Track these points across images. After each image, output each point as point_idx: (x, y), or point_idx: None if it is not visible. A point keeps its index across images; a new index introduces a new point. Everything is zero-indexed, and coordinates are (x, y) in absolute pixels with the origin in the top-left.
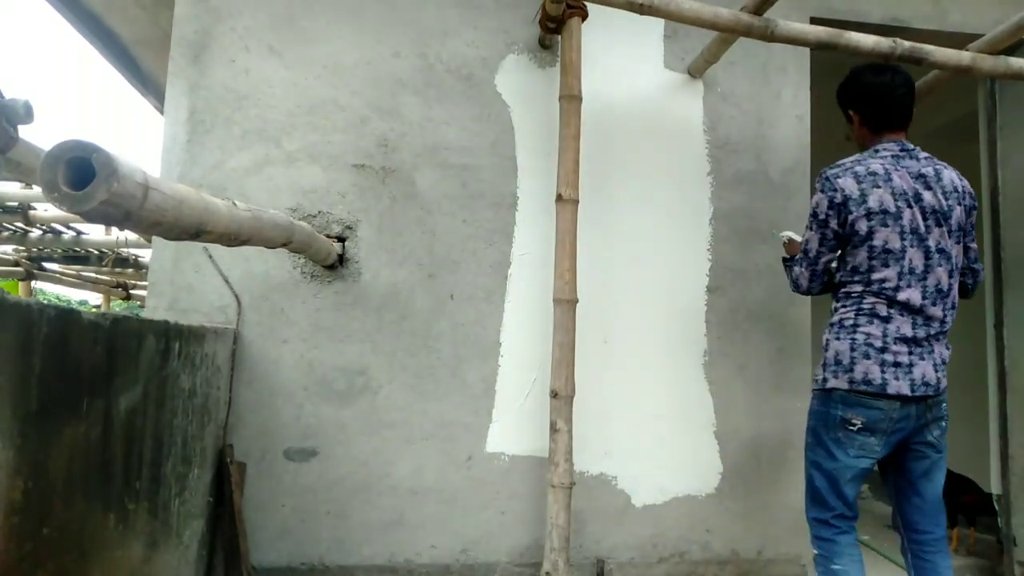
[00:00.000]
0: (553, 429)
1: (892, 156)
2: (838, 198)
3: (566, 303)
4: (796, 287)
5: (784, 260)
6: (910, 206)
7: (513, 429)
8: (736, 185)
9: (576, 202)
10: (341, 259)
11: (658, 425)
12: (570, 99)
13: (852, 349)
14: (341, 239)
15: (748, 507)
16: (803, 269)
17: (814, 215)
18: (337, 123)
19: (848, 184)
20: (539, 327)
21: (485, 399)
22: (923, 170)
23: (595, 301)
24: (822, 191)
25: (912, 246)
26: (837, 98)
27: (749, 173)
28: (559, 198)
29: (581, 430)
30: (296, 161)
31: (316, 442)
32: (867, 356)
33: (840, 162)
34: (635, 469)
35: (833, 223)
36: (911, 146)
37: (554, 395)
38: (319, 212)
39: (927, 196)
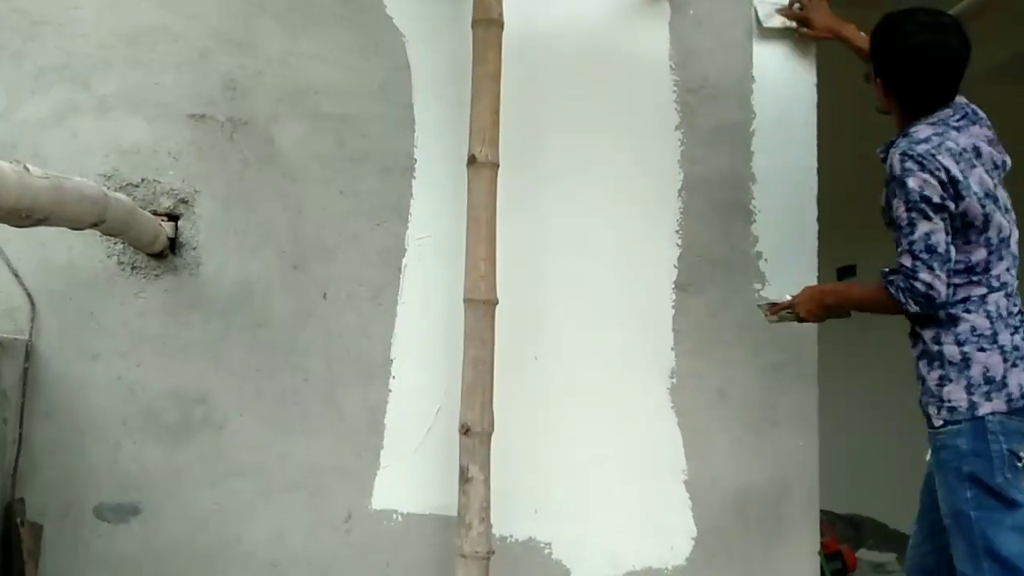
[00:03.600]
0: (464, 478)
1: (963, 120)
2: (945, 177)
3: (482, 305)
4: (929, 302)
5: (884, 276)
6: (998, 184)
7: (409, 477)
8: (715, 142)
9: (495, 166)
10: (173, 244)
11: (608, 472)
12: (487, 25)
13: (1004, 360)
14: (173, 217)
15: None
16: (938, 272)
17: (926, 201)
18: (168, 58)
19: (949, 163)
20: (445, 338)
21: (370, 436)
22: (989, 134)
23: (521, 303)
24: (923, 171)
25: (1013, 229)
26: (877, 63)
27: (733, 127)
28: (472, 161)
29: (503, 479)
30: (112, 109)
31: (139, 495)
32: (1015, 365)
33: (918, 135)
34: (576, 532)
35: (951, 206)
36: (965, 102)
37: (465, 431)
38: (143, 180)
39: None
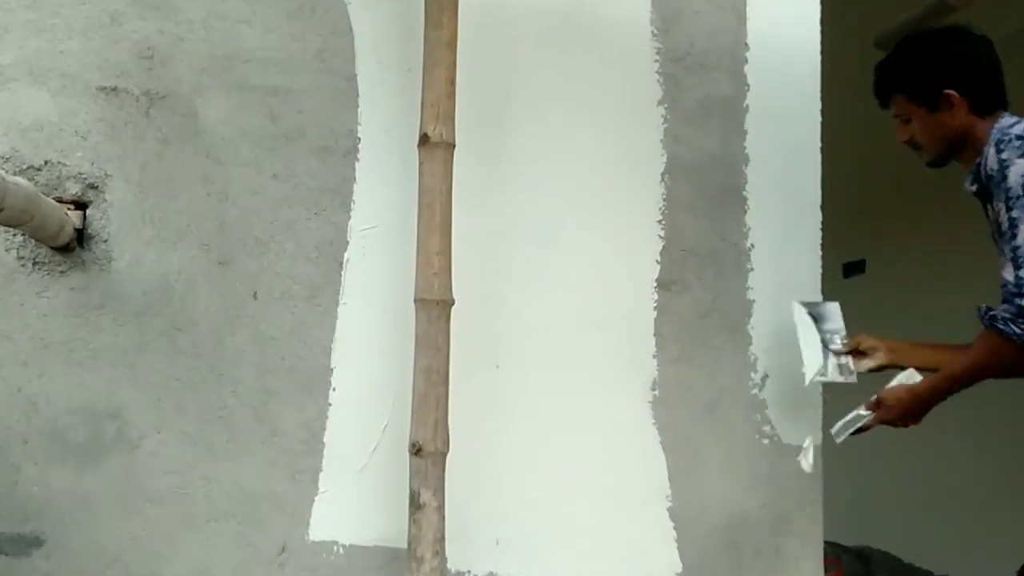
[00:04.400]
0: (415, 504)
1: None
2: None
3: (435, 306)
4: None
5: (988, 318)
6: None
7: (352, 504)
8: (703, 119)
9: (451, 147)
10: (81, 236)
11: (580, 498)
12: None
13: None
14: (81, 205)
15: None
16: None
17: None
18: (75, 22)
19: None
20: (393, 344)
21: (308, 457)
22: None
23: (481, 303)
24: (1022, 156)
25: None
26: (924, 76)
27: (724, 101)
28: (424, 140)
29: (460, 506)
30: (9, 81)
31: (42, 524)
32: None
33: (1006, 122)
34: (544, 567)
35: None
36: None
37: (416, 451)
38: (46, 162)
39: None
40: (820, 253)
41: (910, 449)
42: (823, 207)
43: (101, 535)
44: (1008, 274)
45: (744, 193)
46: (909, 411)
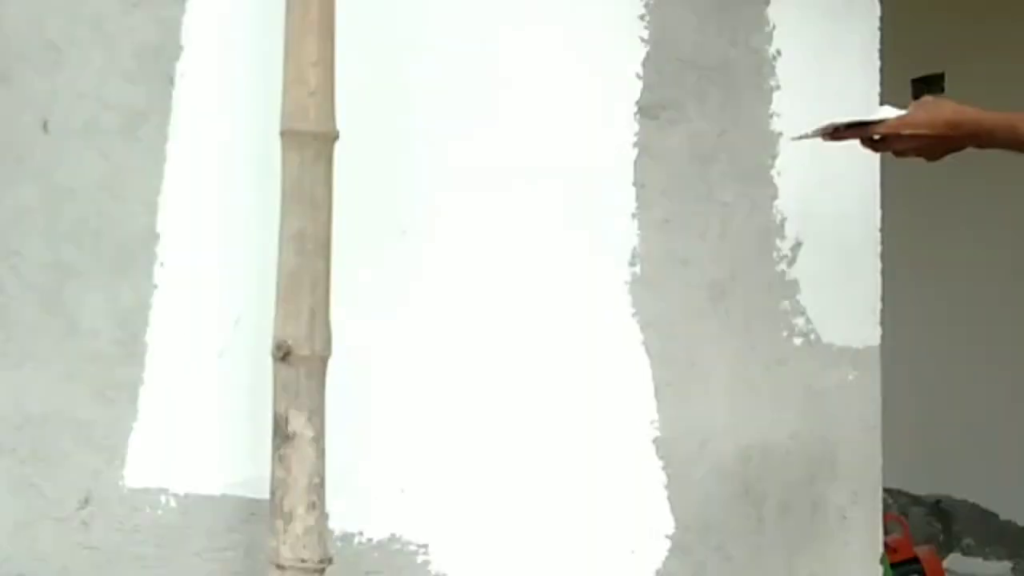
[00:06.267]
0: (281, 434)
1: None
2: None
3: (311, 140)
4: None
5: None
6: None
7: (188, 435)
8: None
9: None
10: None
11: (525, 423)
12: None
13: None
14: None
15: None
16: None
17: None
18: None
19: None
20: (249, 198)
21: (124, 366)
22: None
23: (379, 139)
24: None
25: None
26: None
27: None
28: None
29: (347, 437)
30: None
31: None
32: None
33: None
34: (470, 527)
35: None
36: None
37: (283, 355)
38: None
39: None
40: (878, 62)
41: (1005, 358)
42: (884, 29)
43: None
44: None
45: None
46: (939, 139)
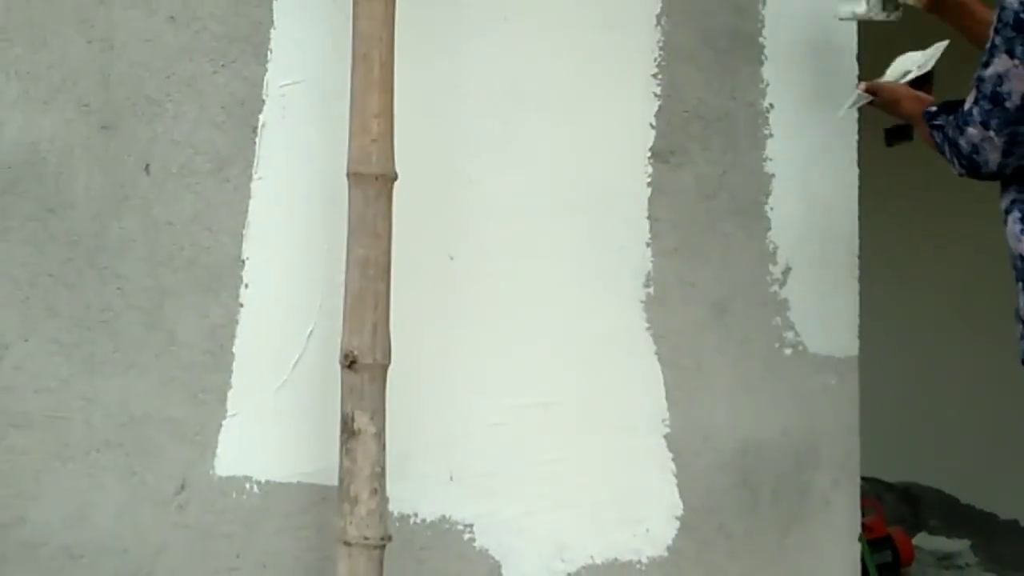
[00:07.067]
0: (348, 431)
1: None
2: None
3: (373, 181)
4: (972, 168)
5: (929, 117)
6: None
7: (269, 431)
8: None
9: None
10: None
11: (556, 424)
12: None
13: None
14: None
15: None
16: (992, 134)
17: (1016, 26)
18: None
19: None
20: (320, 229)
21: (213, 373)
22: None
23: (431, 179)
24: None
25: None
26: None
27: None
28: None
29: (404, 433)
30: None
31: None
32: None
33: None
34: (509, 509)
35: None
36: None
37: (349, 363)
38: None
39: None
40: (857, 115)
41: (975, 359)
42: (860, 53)
43: None
44: (967, 100)
45: (760, 40)
46: (903, 104)
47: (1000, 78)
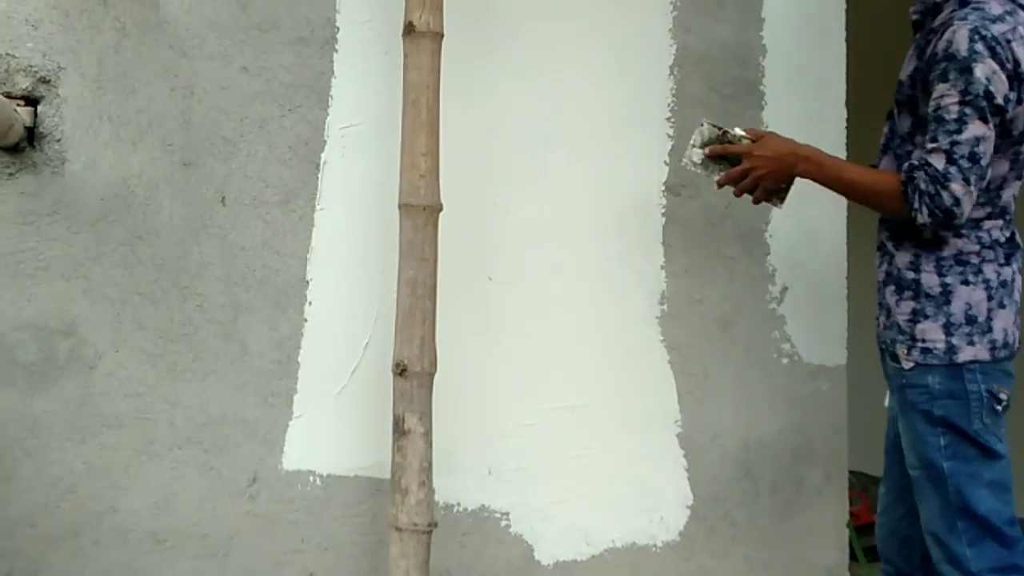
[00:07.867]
0: (399, 430)
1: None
2: (1012, 72)
3: (422, 211)
4: (948, 219)
5: (910, 170)
6: None
7: (329, 430)
8: (717, 6)
9: (439, 36)
10: (32, 135)
11: (581, 424)
12: None
13: (989, 298)
14: (32, 100)
15: (739, 567)
16: (972, 188)
17: (988, 98)
18: None
19: (1021, 54)
20: (375, 253)
21: (281, 379)
22: None
23: (472, 209)
24: (994, 59)
25: None
26: None
27: None
28: (409, 30)
29: (449, 433)
30: None
31: None
32: (1003, 306)
33: (991, 11)
34: (541, 500)
35: (1009, 110)
36: None
37: (400, 371)
38: None
39: None
40: (846, 154)
41: None
42: (849, 116)
43: (53, 464)
44: (938, 162)
45: (761, 87)
46: (778, 160)
47: (977, 140)
